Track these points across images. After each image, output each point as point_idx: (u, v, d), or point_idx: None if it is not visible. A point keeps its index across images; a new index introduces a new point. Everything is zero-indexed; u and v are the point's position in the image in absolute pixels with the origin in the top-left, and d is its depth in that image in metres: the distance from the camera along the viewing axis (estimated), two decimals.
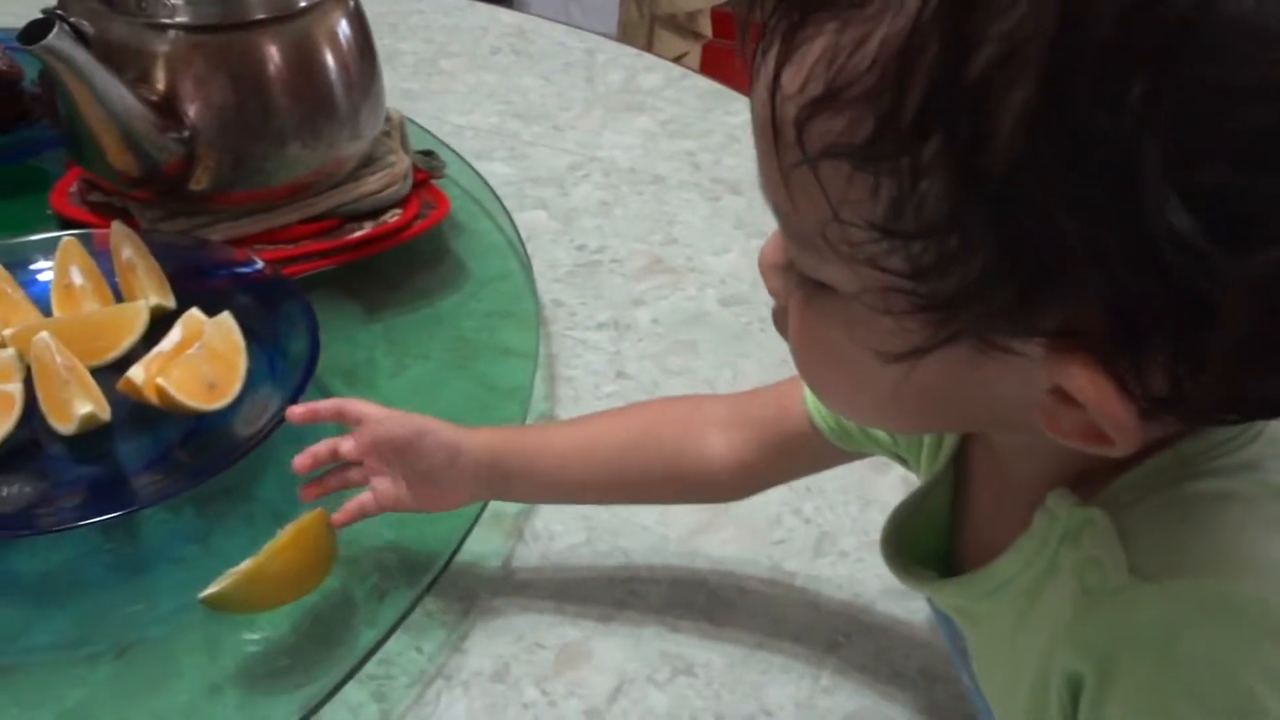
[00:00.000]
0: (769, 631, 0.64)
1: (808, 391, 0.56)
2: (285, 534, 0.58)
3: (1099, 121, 0.26)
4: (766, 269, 0.40)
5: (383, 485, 0.61)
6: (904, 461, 0.55)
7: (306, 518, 0.59)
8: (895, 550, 0.48)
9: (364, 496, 0.62)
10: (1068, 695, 0.36)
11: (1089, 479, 0.37)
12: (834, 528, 0.71)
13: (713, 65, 2.96)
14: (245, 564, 0.57)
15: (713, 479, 0.61)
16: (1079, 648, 0.35)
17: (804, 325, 0.37)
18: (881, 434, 0.54)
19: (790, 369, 0.80)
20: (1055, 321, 0.30)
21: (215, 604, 0.57)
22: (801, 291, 0.36)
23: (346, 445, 0.62)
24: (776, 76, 0.31)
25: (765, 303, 0.90)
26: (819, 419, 0.56)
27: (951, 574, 0.44)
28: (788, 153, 0.31)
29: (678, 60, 2.64)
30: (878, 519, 0.71)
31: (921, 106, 0.28)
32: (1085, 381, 0.30)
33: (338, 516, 0.61)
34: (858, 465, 0.75)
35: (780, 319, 0.41)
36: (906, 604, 0.66)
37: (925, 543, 0.48)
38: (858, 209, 0.30)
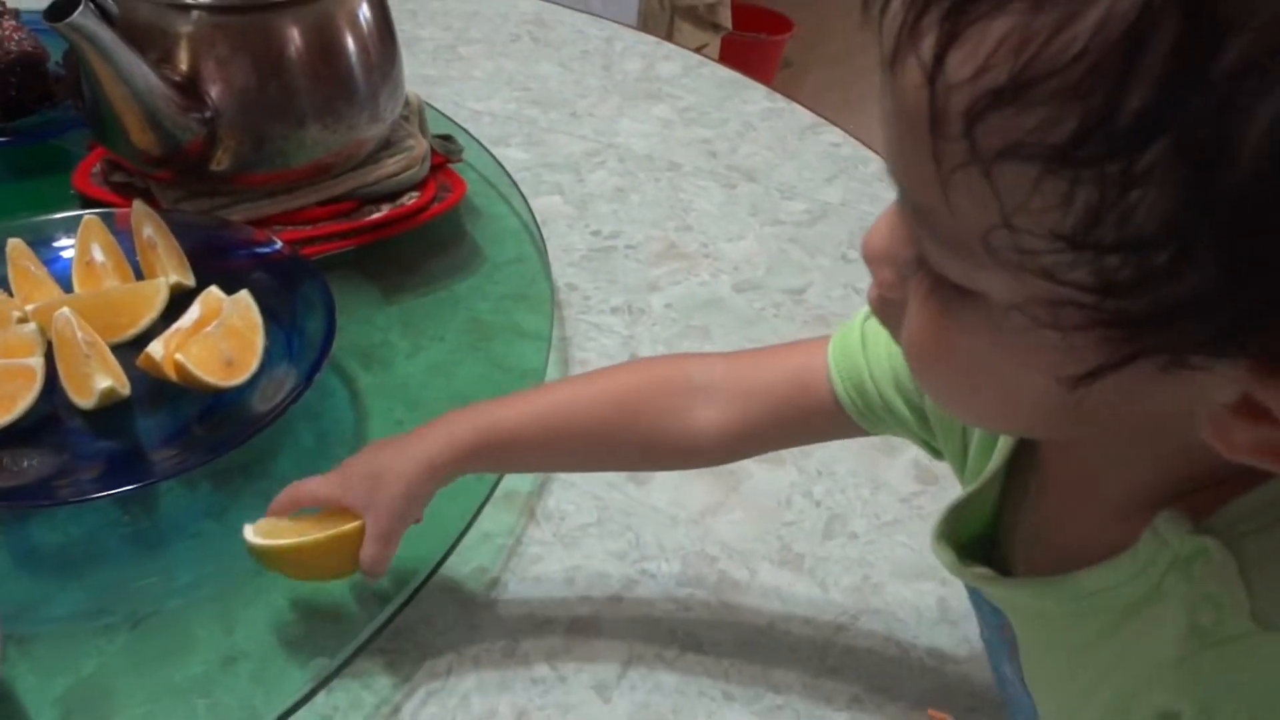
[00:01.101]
0: (778, 612, 0.65)
1: (833, 368, 0.54)
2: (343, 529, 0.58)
3: None
4: (877, 260, 0.36)
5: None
6: (930, 446, 0.55)
7: (352, 527, 0.58)
8: (949, 544, 0.45)
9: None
10: None
11: (1190, 496, 0.35)
12: (844, 510, 0.71)
13: (732, 57, 2.96)
14: (300, 536, 0.57)
15: (694, 449, 0.58)
16: (1182, 690, 0.33)
17: (933, 330, 0.33)
18: (910, 418, 0.53)
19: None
20: (1274, 340, 0.26)
21: (257, 554, 0.58)
22: (936, 297, 0.32)
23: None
24: (939, 59, 0.26)
25: (779, 289, 0.91)
26: (846, 400, 0.54)
27: (997, 569, 0.43)
28: (950, 149, 0.27)
29: (698, 52, 2.65)
30: (887, 501, 0.72)
31: (1148, 106, 0.24)
32: None
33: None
34: (868, 449, 0.75)
35: (886, 310, 0.37)
36: (916, 586, 0.66)
37: (966, 535, 0.46)
38: (1040, 216, 0.26)
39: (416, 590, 0.62)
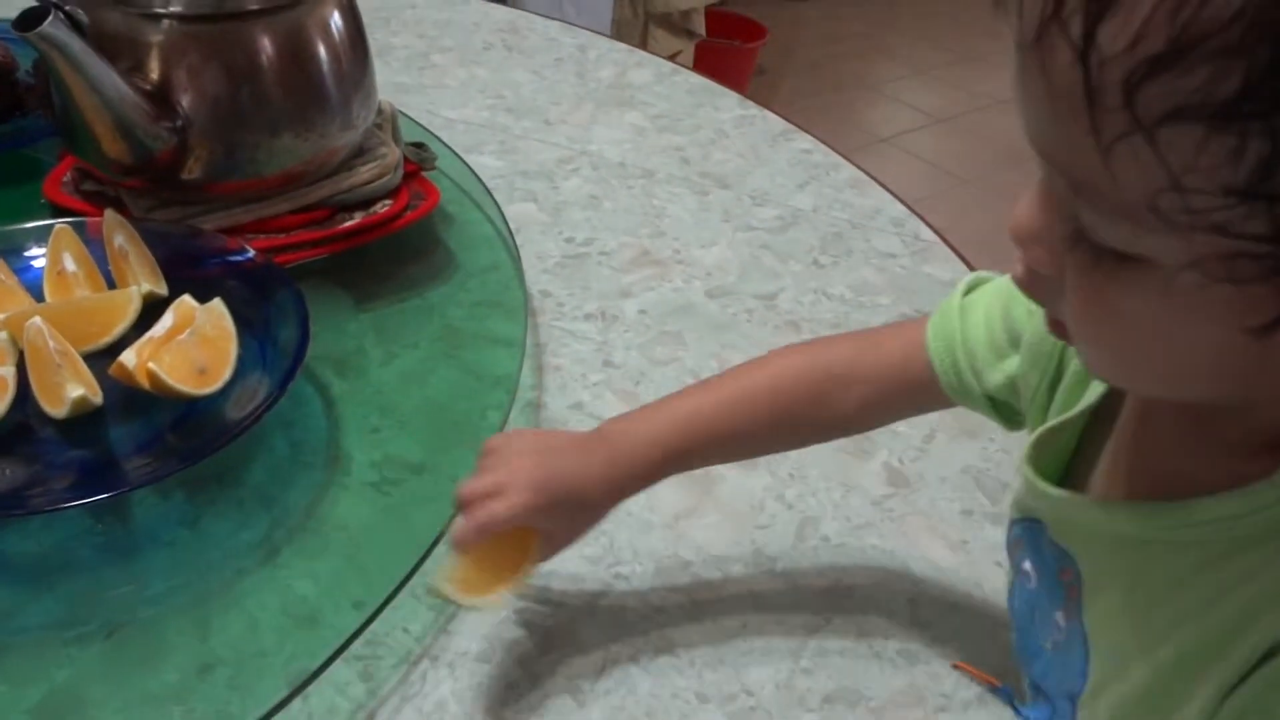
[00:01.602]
0: (751, 614, 0.65)
1: (930, 342, 0.57)
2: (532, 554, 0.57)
3: None
4: (1027, 240, 0.35)
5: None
6: (1006, 414, 0.57)
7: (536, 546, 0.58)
8: (1035, 470, 0.47)
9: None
10: (1252, 656, 0.36)
11: None
12: (816, 513, 0.72)
13: (706, 64, 2.98)
14: (498, 580, 0.56)
15: (839, 428, 0.63)
16: None
17: (1100, 300, 0.33)
18: (1000, 393, 0.55)
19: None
20: None
21: (438, 595, 0.57)
22: (1100, 268, 0.32)
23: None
24: (1090, 36, 0.27)
25: (751, 294, 0.92)
26: (940, 373, 0.57)
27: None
28: (1110, 120, 0.28)
29: (672, 58, 2.66)
30: (858, 504, 0.73)
31: None
32: None
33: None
34: (840, 453, 0.76)
35: (1038, 287, 0.37)
36: (887, 588, 0.67)
37: (1046, 466, 0.47)
38: (1210, 174, 0.27)
39: (391, 596, 0.62)
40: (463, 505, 0.56)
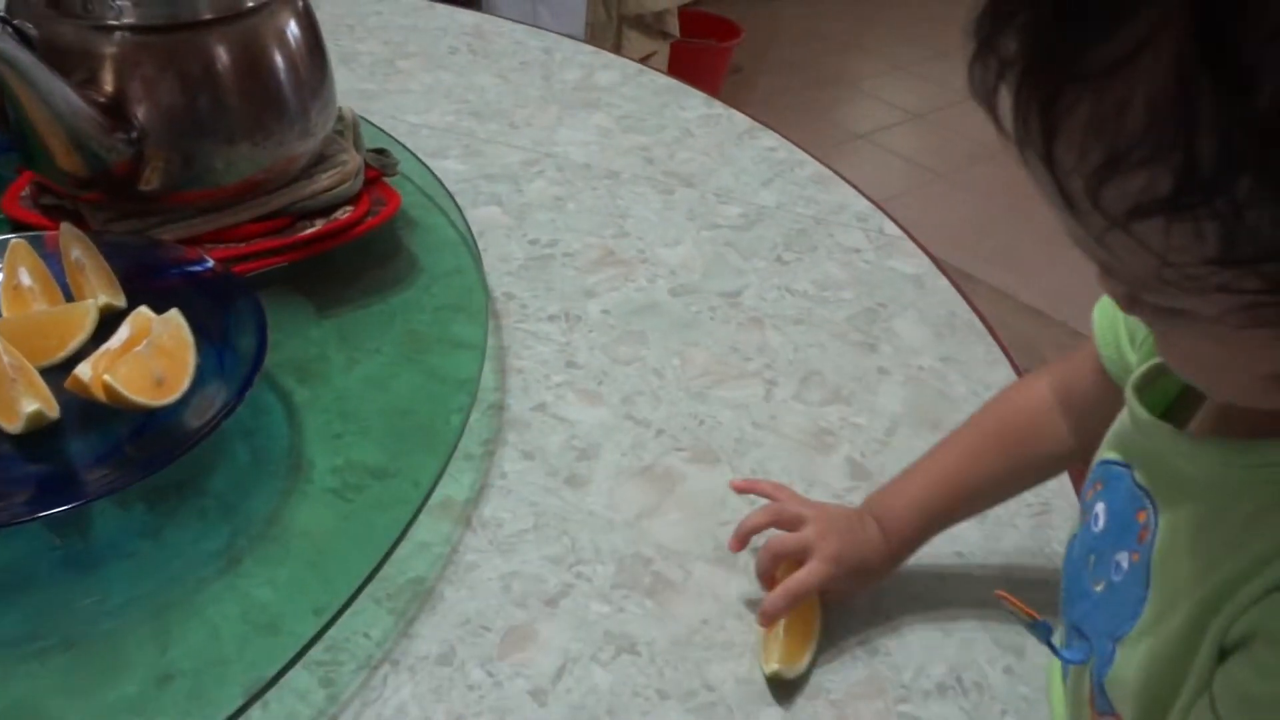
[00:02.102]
0: (712, 610, 0.65)
1: (1096, 319, 0.57)
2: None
3: None
4: (1112, 297, 0.39)
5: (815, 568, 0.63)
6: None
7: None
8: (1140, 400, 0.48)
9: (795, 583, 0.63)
10: (1272, 581, 0.37)
11: None
12: None
13: (680, 64, 2.99)
14: (778, 631, 0.62)
15: (1068, 455, 0.64)
16: None
17: (1165, 341, 0.38)
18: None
19: (737, 355, 0.81)
20: None
21: (777, 679, 0.61)
22: (1159, 320, 0.36)
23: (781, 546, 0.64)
24: (1049, 153, 0.30)
25: (714, 292, 0.92)
26: (1104, 349, 0.57)
27: None
28: (1090, 220, 0.31)
29: (646, 59, 2.66)
30: (820, 498, 0.73)
31: (1220, 153, 0.27)
32: None
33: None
34: (803, 447, 0.76)
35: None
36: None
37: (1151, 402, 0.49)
38: (1188, 252, 0.30)
39: (349, 601, 0.62)
40: (768, 566, 0.65)
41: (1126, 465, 0.49)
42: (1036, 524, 0.72)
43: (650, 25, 2.97)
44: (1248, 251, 0.29)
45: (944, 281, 0.96)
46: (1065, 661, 0.55)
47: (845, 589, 0.64)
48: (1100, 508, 0.50)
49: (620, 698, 0.60)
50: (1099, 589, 0.49)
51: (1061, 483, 0.75)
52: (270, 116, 0.81)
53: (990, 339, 0.89)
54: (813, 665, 0.62)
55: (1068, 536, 0.67)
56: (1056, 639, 0.55)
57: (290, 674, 0.60)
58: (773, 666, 0.60)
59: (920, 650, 0.63)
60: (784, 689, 0.61)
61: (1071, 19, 0.29)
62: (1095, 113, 0.29)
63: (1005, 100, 0.32)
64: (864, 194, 1.09)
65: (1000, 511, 0.73)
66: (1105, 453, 0.51)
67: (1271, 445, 0.39)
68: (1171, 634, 0.43)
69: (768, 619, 0.62)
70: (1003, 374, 0.85)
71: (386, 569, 0.66)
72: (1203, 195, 0.28)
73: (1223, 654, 0.41)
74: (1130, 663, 0.47)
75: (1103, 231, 0.31)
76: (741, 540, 0.66)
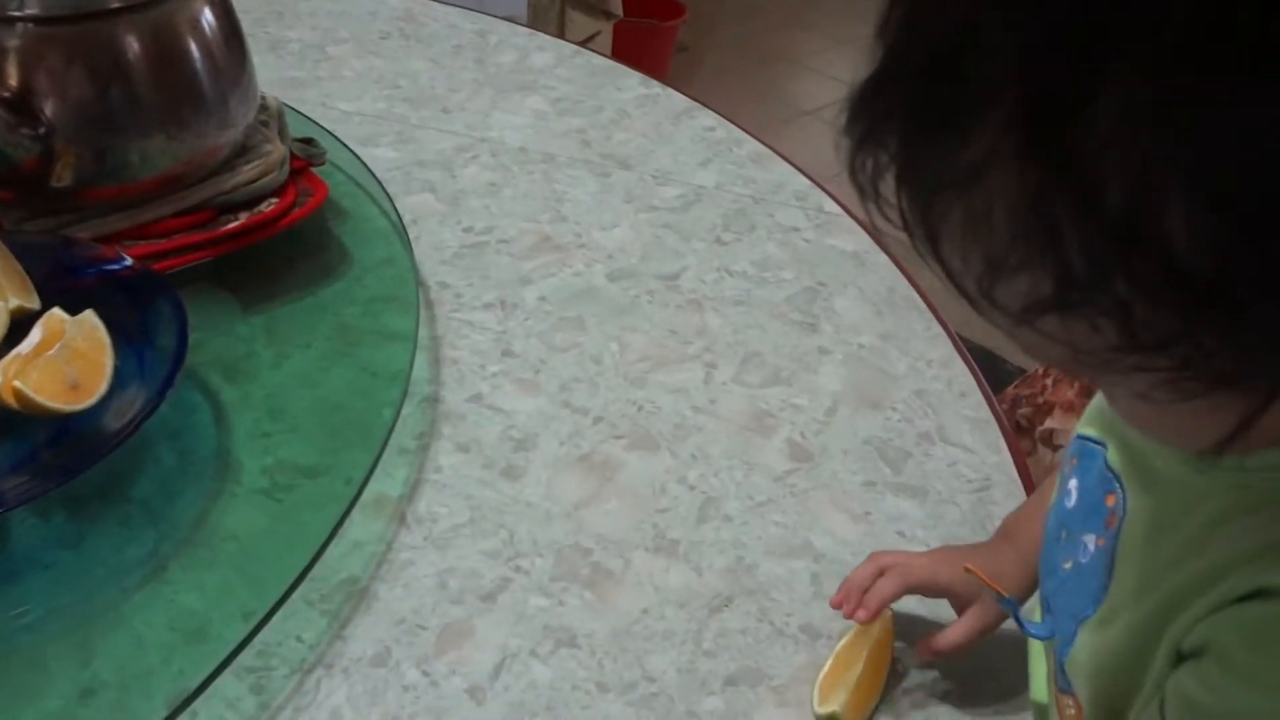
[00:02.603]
0: (652, 599, 0.64)
1: None
2: (867, 642, 0.60)
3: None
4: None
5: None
6: None
7: (879, 625, 0.61)
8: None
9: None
10: (1234, 593, 0.36)
11: None
12: (718, 493, 0.71)
13: (625, 44, 2.96)
14: (849, 677, 0.58)
15: None
16: None
17: (1116, 401, 0.38)
18: None
19: (676, 339, 0.80)
20: None
21: None
22: (1096, 383, 0.36)
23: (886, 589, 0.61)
24: (937, 256, 0.30)
25: (653, 275, 0.91)
26: None
27: None
28: (998, 318, 0.31)
29: (588, 41, 2.64)
30: (761, 482, 0.72)
31: (1086, 259, 0.27)
32: None
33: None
34: (743, 430, 0.76)
35: None
36: (789, 564, 0.67)
37: None
38: (1092, 342, 0.29)
39: (279, 604, 0.61)
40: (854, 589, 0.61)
41: (1102, 443, 0.48)
42: (977, 500, 0.72)
43: (593, 6, 2.94)
44: (1148, 338, 0.28)
45: (884, 258, 0.96)
46: (1031, 636, 0.54)
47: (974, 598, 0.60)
48: (1074, 484, 0.50)
49: (560, 692, 0.59)
50: (1068, 567, 0.49)
51: (1002, 457, 0.75)
52: (186, 107, 0.79)
53: (930, 315, 0.89)
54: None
55: (1006, 514, 0.66)
56: (1027, 612, 0.54)
57: (219, 682, 0.58)
58: (830, 709, 0.57)
59: None
60: None
61: (931, 128, 0.29)
62: (967, 220, 0.29)
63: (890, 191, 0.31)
64: (803, 172, 1.08)
65: (941, 487, 0.72)
66: (1084, 427, 0.50)
67: (1240, 453, 0.38)
68: (1127, 628, 0.43)
69: (868, 612, 0.59)
70: (943, 350, 0.85)
71: (318, 570, 0.64)
72: (1084, 294, 0.28)
73: (1179, 658, 0.40)
74: (1087, 647, 0.47)
75: (1011, 328, 0.31)
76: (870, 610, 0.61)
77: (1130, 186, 0.26)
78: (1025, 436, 1.00)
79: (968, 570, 0.58)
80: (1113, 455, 0.47)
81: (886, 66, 0.30)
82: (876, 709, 0.59)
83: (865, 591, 0.60)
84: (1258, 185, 0.25)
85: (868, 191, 0.31)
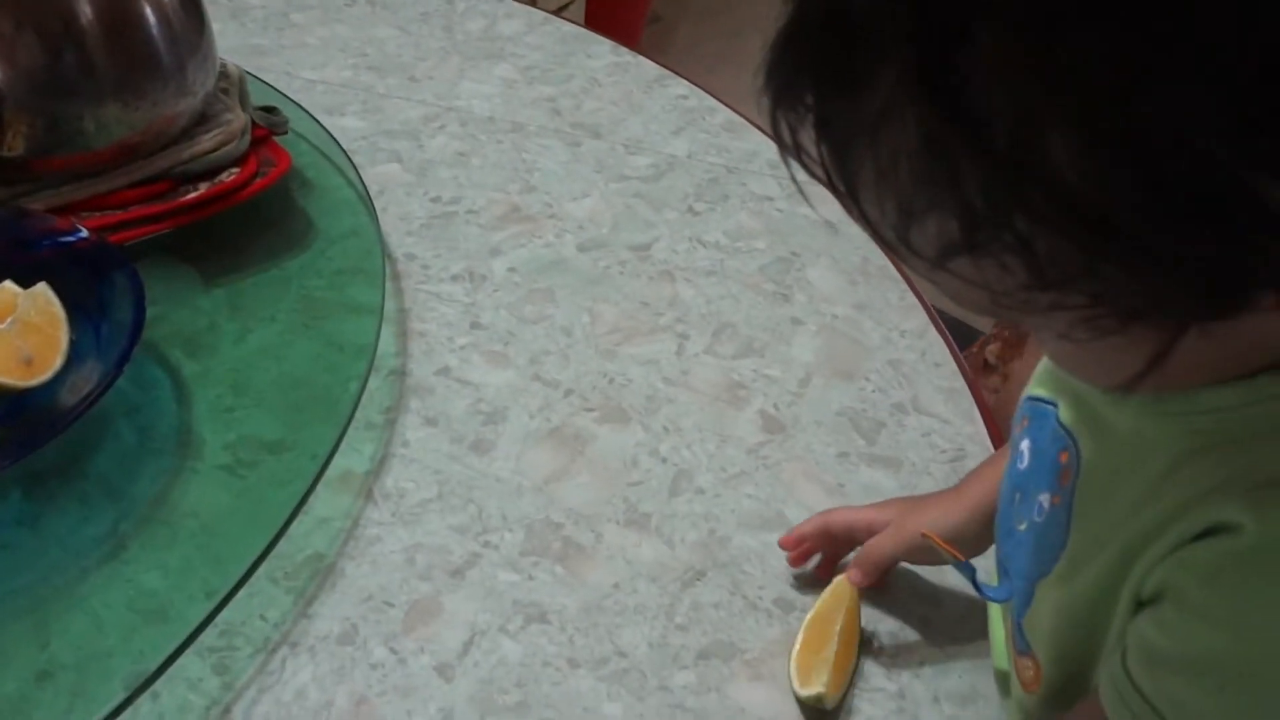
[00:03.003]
0: (624, 574, 0.64)
1: None
2: (837, 615, 0.59)
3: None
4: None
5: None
6: None
7: (844, 592, 0.60)
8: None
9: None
10: (1189, 533, 0.36)
11: None
12: (691, 465, 0.70)
13: (598, 13, 2.93)
14: (827, 654, 0.58)
15: None
16: (1259, 507, 0.34)
17: (1045, 344, 0.38)
18: None
19: (648, 310, 0.79)
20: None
21: (814, 704, 0.57)
22: (1024, 326, 0.36)
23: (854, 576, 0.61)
24: (858, 207, 0.31)
25: (624, 246, 0.90)
26: None
27: None
28: (915, 264, 0.32)
29: (562, 9, 2.60)
30: (733, 454, 0.72)
31: (984, 197, 0.28)
32: None
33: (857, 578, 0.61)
34: (716, 402, 0.75)
35: None
36: (761, 537, 0.66)
37: None
38: (1005, 282, 0.30)
39: (241, 582, 0.59)
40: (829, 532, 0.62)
41: (1052, 403, 0.47)
42: (951, 470, 0.71)
43: None
44: (1056, 275, 0.29)
45: (857, 228, 0.94)
46: (988, 600, 0.54)
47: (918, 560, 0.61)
48: (1025, 445, 0.49)
49: (530, 669, 0.58)
50: (1022, 528, 0.49)
51: (976, 428, 0.75)
52: (142, 74, 0.77)
53: (904, 285, 0.88)
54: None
55: None
56: (987, 576, 0.54)
57: (182, 663, 0.57)
58: (815, 690, 0.56)
59: None
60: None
61: (835, 80, 0.30)
62: (877, 168, 0.30)
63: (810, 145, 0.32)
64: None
65: (915, 457, 0.72)
66: (1034, 388, 0.50)
67: (1189, 395, 0.37)
68: (1088, 581, 0.43)
69: (861, 578, 0.60)
70: (917, 320, 0.84)
71: (284, 547, 0.63)
72: (988, 234, 0.29)
73: (1139, 606, 0.40)
74: (1046, 605, 0.47)
75: (931, 272, 0.32)
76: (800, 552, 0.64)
77: (1013, 122, 0.26)
78: (993, 374, 1.00)
79: (924, 536, 0.58)
80: (1064, 413, 0.46)
81: (793, 22, 0.31)
82: (851, 682, 0.58)
83: (807, 547, 0.62)
84: (1127, 113, 0.26)
85: (788, 146, 0.32)
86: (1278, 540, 0.34)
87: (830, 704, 0.56)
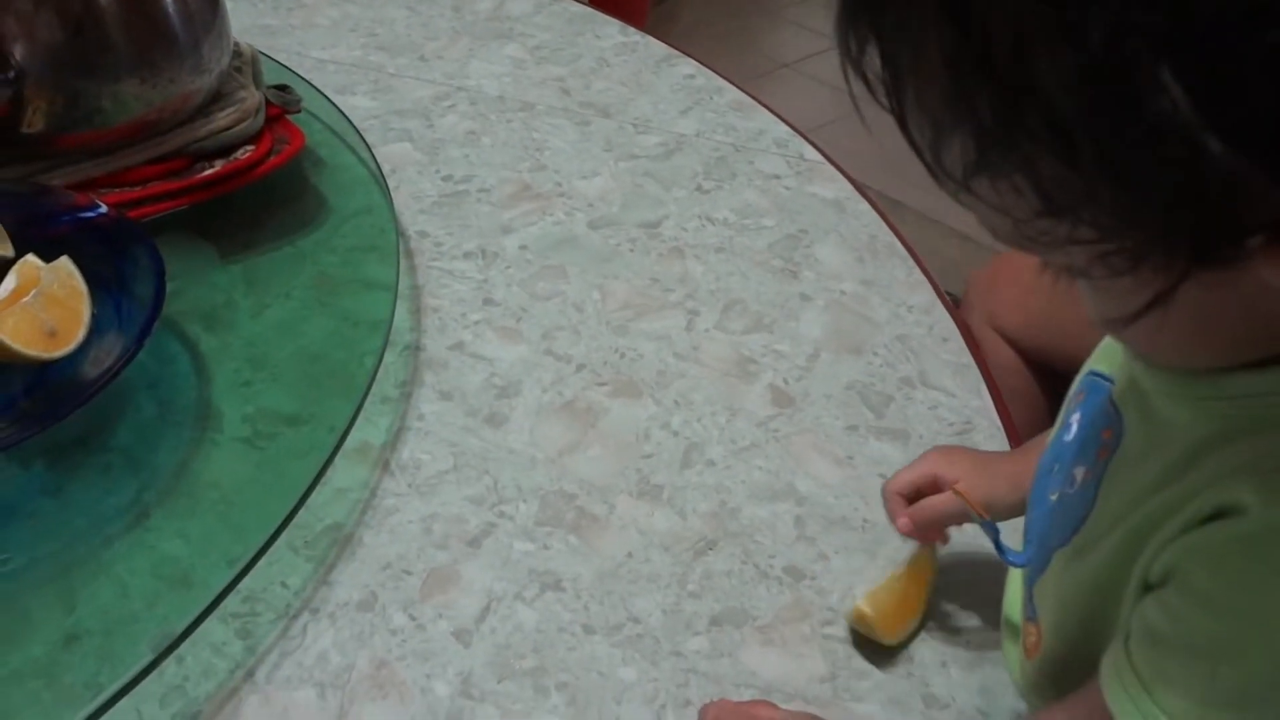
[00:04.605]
0: (637, 543, 0.65)
1: None
2: (910, 564, 0.62)
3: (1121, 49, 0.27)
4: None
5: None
6: None
7: (921, 551, 0.62)
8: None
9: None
10: (1199, 515, 0.37)
11: None
12: (701, 438, 0.72)
13: None
14: (880, 586, 0.60)
15: None
16: (1269, 492, 0.35)
17: (1083, 298, 0.39)
18: None
19: (658, 286, 0.80)
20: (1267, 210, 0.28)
21: (860, 624, 0.59)
22: (1063, 277, 0.37)
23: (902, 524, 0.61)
24: (905, 128, 0.33)
25: (634, 224, 0.91)
26: None
27: None
28: (949, 187, 0.33)
29: None
30: (744, 427, 0.73)
31: (994, 111, 0.29)
32: None
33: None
34: (726, 376, 0.76)
35: None
36: (772, 507, 0.67)
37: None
38: (1022, 208, 0.32)
39: (263, 550, 0.60)
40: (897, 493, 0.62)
41: (1109, 379, 0.48)
42: (958, 442, 0.72)
43: None
44: (1064, 201, 0.30)
45: (864, 205, 0.96)
46: (1007, 563, 0.55)
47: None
48: (1076, 418, 0.50)
49: (546, 635, 0.59)
50: (1054, 498, 0.49)
51: (983, 401, 0.76)
52: (159, 52, 0.77)
53: (911, 261, 0.89)
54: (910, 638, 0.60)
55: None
56: (1013, 541, 0.55)
57: (206, 627, 0.58)
58: (862, 608, 0.58)
59: (846, 574, 0.63)
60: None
61: (883, 6, 0.32)
62: (918, 92, 0.32)
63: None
64: (783, 119, 1.08)
65: (923, 430, 0.73)
66: (1094, 363, 0.50)
67: (1218, 380, 0.38)
68: (1101, 557, 0.43)
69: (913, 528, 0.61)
70: (924, 296, 0.85)
71: (303, 517, 0.64)
72: (999, 153, 0.30)
73: (1147, 589, 0.41)
74: (1058, 574, 0.47)
75: (956, 193, 0.33)
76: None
77: (1011, 39, 0.28)
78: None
79: (955, 493, 0.58)
80: (1118, 390, 0.47)
81: None
82: (914, 635, 0.60)
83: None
84: (1105, 26, 0.26)
85: (853, 62, 0.33)
86: None
87: (877, 631, 0.58)
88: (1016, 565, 0.54)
